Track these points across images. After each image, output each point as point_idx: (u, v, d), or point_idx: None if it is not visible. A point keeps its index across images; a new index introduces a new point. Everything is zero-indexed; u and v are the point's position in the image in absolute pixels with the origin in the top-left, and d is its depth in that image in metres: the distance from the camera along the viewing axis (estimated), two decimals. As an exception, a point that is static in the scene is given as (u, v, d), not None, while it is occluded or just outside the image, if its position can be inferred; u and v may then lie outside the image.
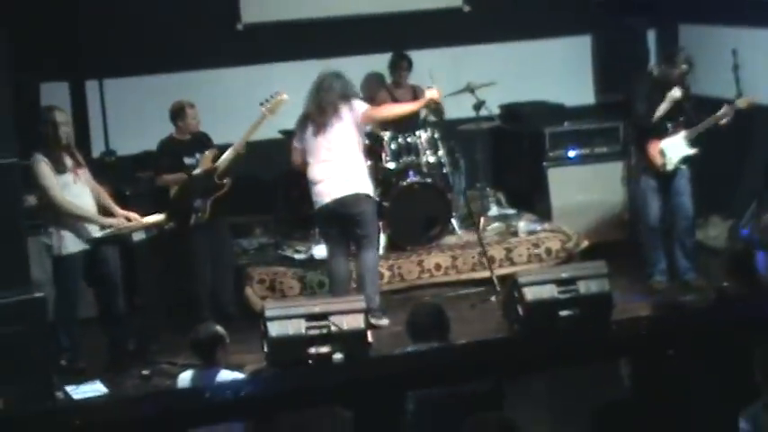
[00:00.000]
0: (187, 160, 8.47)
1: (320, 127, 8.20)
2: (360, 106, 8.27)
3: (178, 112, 8.50)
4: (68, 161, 7.81)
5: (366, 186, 8.28)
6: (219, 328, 6.62)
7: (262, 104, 8.49)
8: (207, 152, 8.47)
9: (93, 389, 7.62)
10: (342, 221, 8.29)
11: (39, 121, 7.84)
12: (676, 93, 8.54)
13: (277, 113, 8.50)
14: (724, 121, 8.59)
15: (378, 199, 8.70)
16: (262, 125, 8.48)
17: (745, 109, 8.64)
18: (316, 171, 8.27)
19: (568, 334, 4.03)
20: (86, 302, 8.13)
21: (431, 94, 8.44)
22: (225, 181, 8.44)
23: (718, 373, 4.85)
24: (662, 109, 8.56)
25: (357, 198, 8.20)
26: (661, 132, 8.66)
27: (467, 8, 10.48)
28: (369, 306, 7.69)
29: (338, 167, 8.20)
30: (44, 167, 7.69)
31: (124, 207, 8.17)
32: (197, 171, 8.42)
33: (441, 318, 6.34)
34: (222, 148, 8.53)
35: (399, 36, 9.94)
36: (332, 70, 8.37)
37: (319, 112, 8.20)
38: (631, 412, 4.70)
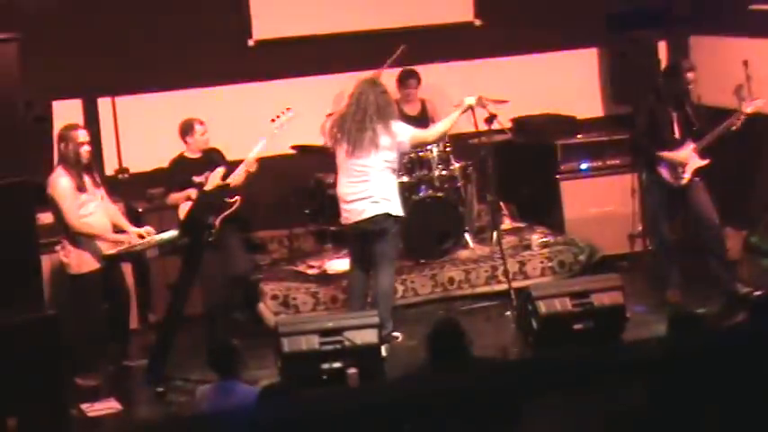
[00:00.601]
0: (197, 179, 8.48)
1: (355, 145, 8.06)
2: (402, 130, 8.08)
3: (187, 129, 8.51)
4: (87, 180, 7.85)
5: (394, 207, 8.15)
6: (236, 342, 6.65)
7: (273, 120, 8.52)
8: (218, 169, 8.48)
9: (108, 407, 7.63)
10: (363, 238, 8.25)
11: (59, 139, 7.88)
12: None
13: (287, 130, 8.52)
14: (733, 128, 8.56)
15: (401, 218, 8.38)
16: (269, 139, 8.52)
17: (753, 115, 8.60)
18: (345, 189, 8.16)
19: (584, 352, 4.01)
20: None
21: (469, 101, 8.36)
22: (234, 199, 8.44)
23: (736, 388, 4.82)
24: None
25: (382, 218, 8.12)
26: (671, 146, 8.64)
27: (478, 22, 10.49)
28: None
29: (369, 189, 8.07)
30: (64, 186, 7.73)
31: (137, 224, 8.19)
32: (208, 187, 8.43)
33: (461, 336, 6.27)
34: (234, 165, 8.54)
35: (410, 51, 9.94)
36: (369, 80, 8.23)
37: (356, 128, 8.05)
38: (647, 425, 4.68)
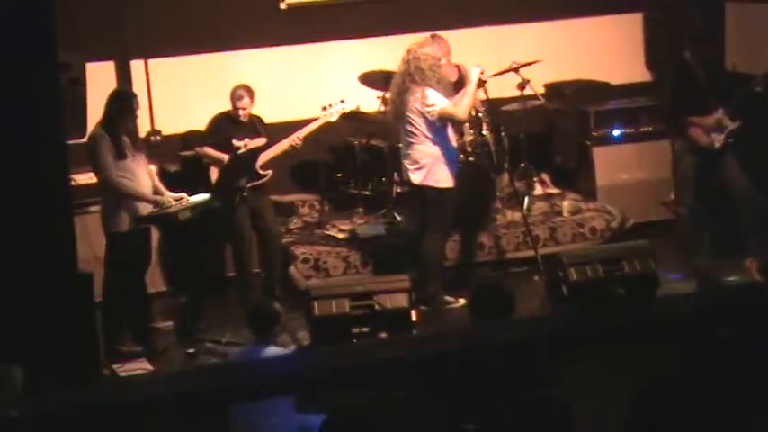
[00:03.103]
0: (236, 142, 8.51)
1: (396, 107, 8.25)
2: (434, 100, 8.11)
3: (233, 94, 8.52)
4: (128, 143, 7.89)
5: (429, 176, 8.24)
6: (277, 306, 6.70)
7: (324, 108, 8.56)
8: (258, 140, 8.51)
9: (140, 367, 7.69)
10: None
11: (112, 101, 7.91)
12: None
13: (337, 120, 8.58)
14: (759, 89, 8.48)
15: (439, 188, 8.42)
16: (316, 128, 8.56)
17: None
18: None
19: (616, 312, 4.00)
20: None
21: (476, 73, 8.33)
22: (267, 171, 8.50)
23: None
24: None
25: (419, 184, 8.29)
26: (702, 111, 8.58)
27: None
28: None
29: (410, 153, 8.26)
30: (104, 146, 7.78)
31: (169, 186, 8.23)
32: (241, 151, 8.46)
33: (506, 295, 6.22)
34: (274, 134, 8.57)
35: (442, 15, 9.88)
36: (419, 44, 8.28)
37: (397, 90, 8.22)
38: (678, 391, 4.66)
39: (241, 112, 8.50)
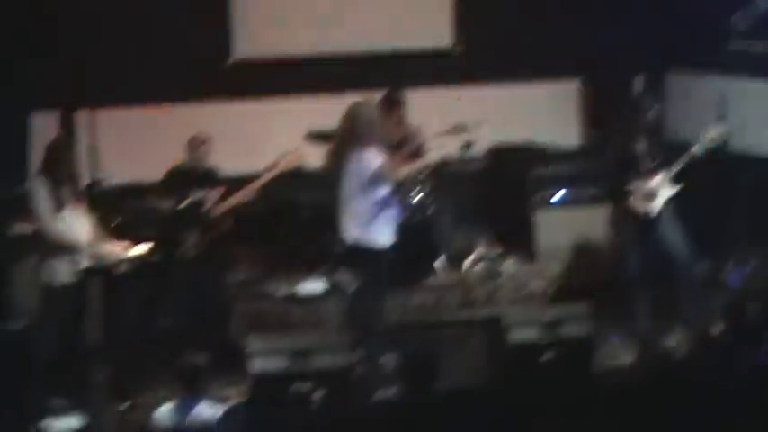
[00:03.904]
0: (189, 192, 8.48)
1: (340, 166, 8.18)
2: (370, 160, 8.05)
3: (191, 144, 8.52)
4: (69, 191, 7.82)
5: (369, 234, 8.19)
6: (203, 359, 6.62)
7: (279, 159, 8.56)
8: (212, 192, 8.49)
9: (70, 423, 7.56)
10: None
11: (50, 150, 7.85)
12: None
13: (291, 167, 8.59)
14: (697, 153, 8.61)
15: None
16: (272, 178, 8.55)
17: (715, 141, 8.66)
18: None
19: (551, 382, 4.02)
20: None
21: (419, 143, 8.29)
22: (223, 224, 8.48)
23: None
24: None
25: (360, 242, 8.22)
26: (638, 177, 8.70)
27: (457, 50, 10.54)
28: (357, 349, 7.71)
29: (351, 211, 8.18)
30: (43, 195, 7.69)
31: (110, 237, 8.16)
32: (184, 204, 8.43)
33: (433, 361, 6.26)
34: (229, 187, 8.55)
35: (389, 75, 9.96)
36: (359, 103, 8.26)
37: (339, 149, 8.19)
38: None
39: (197, 162, 8.49)
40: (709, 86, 9.74)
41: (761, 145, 9.42)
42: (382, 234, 8.20)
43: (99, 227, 8.32)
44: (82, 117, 9.54)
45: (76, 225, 7.82)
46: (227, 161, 8.89)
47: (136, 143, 9.48)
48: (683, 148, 8.84)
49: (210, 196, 8.52)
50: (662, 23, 10.16)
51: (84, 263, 7.85)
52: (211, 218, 8.47)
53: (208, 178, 8.61)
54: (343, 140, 8.17)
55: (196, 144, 8.53)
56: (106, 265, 7.91)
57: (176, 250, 8.30)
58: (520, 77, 10.62)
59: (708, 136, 8.65)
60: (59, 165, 7.77)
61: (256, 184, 8.55)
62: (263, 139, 9.94)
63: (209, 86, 9.93)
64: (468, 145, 9.39)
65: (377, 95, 9.55)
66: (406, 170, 8.20)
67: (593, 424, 4.43)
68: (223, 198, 8.53)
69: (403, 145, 9.53)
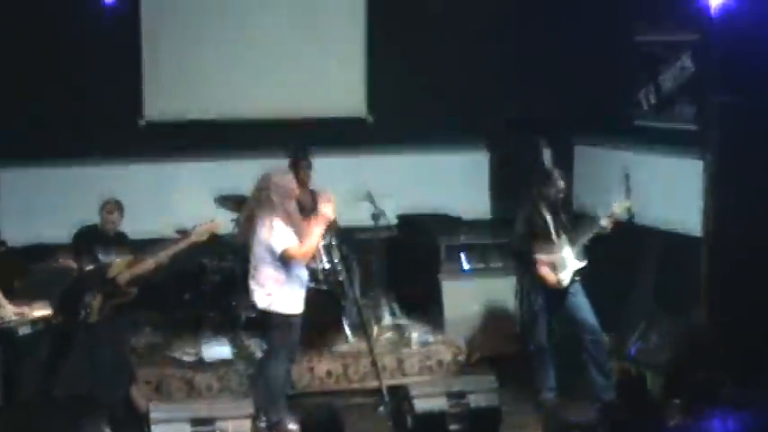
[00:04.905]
0: (99, 254, 8.36)
1: (249, 233, 8.18)
2: (277, 236, 8.04)
3: (104, 207, 8.50)
4: None
5: (274, 301, 8.19)
6: (104, 425, 6.50)
7: (193, 227, 8.46)
8: (123, 258, 8.37)
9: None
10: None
11: None
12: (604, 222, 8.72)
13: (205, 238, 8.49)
14: (604, 226, 8.72)
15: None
16: (185, 247, 8.43)
17: (621, 215, 8.79)
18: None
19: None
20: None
21: (326, 210, 8.27)
22: (131, 289, 8.37)
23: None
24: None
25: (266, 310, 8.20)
26: (548, 250, 8.79)
27: (370, 118, 10.60)
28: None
29: (255, 276, 8.20)
30: None
31: (11, 300, 7.99)
32: (90, 268, 8.32)
33: (338, 428, 6.22)
34: (138, 252, 8.43)
35: (301, 141, 9.97)
36: (270, 174, 8.24)
37: (249, 216, 8.20)
38: None
39: (109, 226, 8.44)
40: (616, 159, 9.90)
41: (665, 219, 9.58)
42: (291, 300, 8.17)
43: (1, 287, 8.17)
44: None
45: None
46: (136, 223, 8.79)
47: (43, 203, 9.32)
48: (591, 220, 8.97)
49: (119, 260, 8.40)
50: (570, 96, 10.34)
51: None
52: (118, 282, 8.35)
53: (117, 242, 8.51)
54: (255, 207, 8.15)
55: (109, 208, 8.47)
56: (7, 327, 7.73)
57: (80, 313, 8.16)
58: (432, 146, 10.70)
59: (614, 209, 8.79)
60: None
61: (168, 251, 8.44)
62: (174, 201, 9.87)
63: (120, 147, 9.83)
64: (378, 214, 9.45)
65: (287, 161, 9.57)
66: (315, 238, 8.18)
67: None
68: (132, 263, 8.41)
69: (311, 209, 9.52)
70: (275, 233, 8.04)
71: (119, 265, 8.38)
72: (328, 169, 9.86)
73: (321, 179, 9.48)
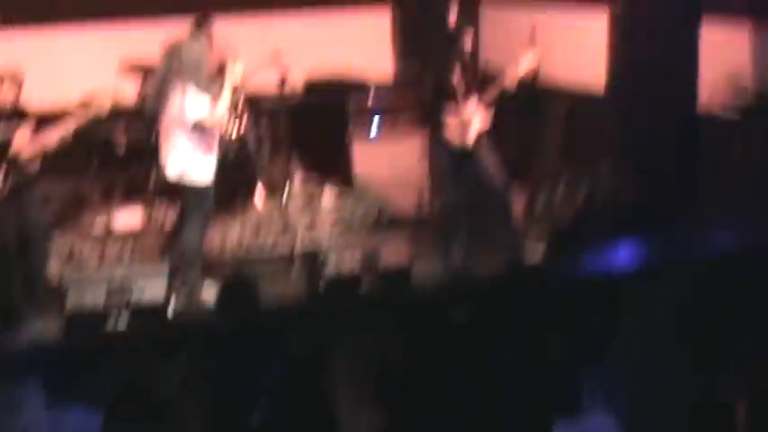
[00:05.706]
0: None
1: (161, 100, 8.12)
2: (192, 102, 7.99)
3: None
4: None
5: (189, 168, 8.17)
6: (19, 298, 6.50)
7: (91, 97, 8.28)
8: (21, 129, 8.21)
9: None
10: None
11: None
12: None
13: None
14: (509, 83, 8.77)
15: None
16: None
17: (525, 72, 8.83)
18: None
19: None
20: None
21: (236, 74, 8.17)
22: (34, 164, 8.20)
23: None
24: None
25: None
26: (455, 107, 8.83)
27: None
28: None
29: (173, 145, 8.14)
30: None
31: None
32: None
33: (251, 291, 6.29)
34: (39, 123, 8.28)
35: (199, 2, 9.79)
36: (181, 40, 8.13)
37: (161, 84, 8.16)
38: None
39: (5, 99, 8.21)
40: (522, 17, 9.91)
41: (570, 77, 9.67)
42: (202, 168, 8.15)
43: None
44: None
45: None
46: (35, 93, 8.61)
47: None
48: (496, 78, 9.01)
49: (19, 134, 8.22)
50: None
51: None
52: (21, 157, 8.19)
53: (17, 116, 8.31)
54: (165, 75, 8.05)
55: (5, 80, 8.23)
56: None
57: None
58: (332, 4, 10.58)
59: (519, 66, 8.81)
60: None
61: (69, 124, 8.28)
62: (75, 69, 9.70)
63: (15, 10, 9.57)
64: (284, 79, 9.40)
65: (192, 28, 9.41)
66: (225, 103, 8.13)
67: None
68: (33, 136, 8.24)
69: (220, 74, 9.43)
70: (187, 101, 7.98)
71: (19, 139, 8.21)
72: (232, 30, 9.73)
73: (225, 41, 9.34)
